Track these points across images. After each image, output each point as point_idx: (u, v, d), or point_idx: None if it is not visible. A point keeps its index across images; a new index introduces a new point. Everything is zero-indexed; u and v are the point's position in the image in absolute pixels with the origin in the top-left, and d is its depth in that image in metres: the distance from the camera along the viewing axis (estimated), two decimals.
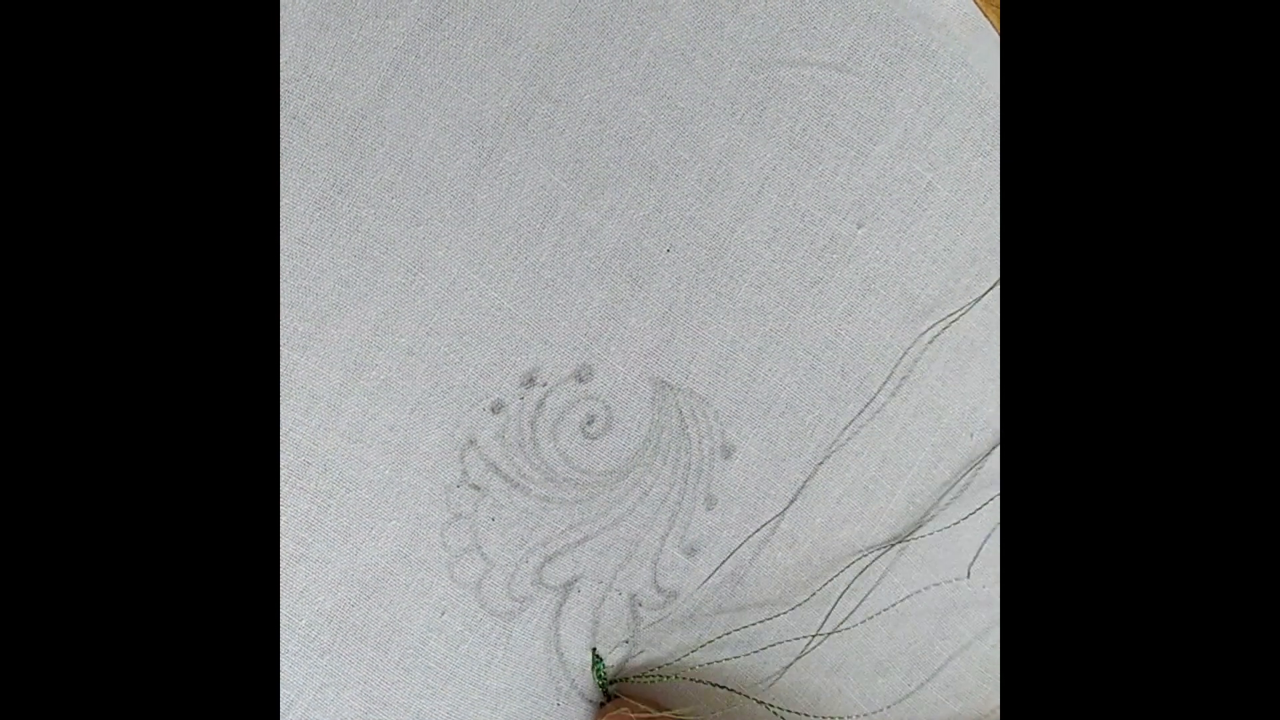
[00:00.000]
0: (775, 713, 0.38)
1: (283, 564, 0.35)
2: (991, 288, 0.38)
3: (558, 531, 0.37)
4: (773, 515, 0.38)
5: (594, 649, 0.37)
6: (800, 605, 0.39)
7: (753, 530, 0.38)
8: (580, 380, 0.37)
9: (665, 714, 0.37)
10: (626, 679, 0.38)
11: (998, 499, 0.39)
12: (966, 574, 0.39)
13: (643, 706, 0.37)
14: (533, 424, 0.37)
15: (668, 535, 0.38)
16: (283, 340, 0.35)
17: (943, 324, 0.38)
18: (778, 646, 0.38)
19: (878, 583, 0.39)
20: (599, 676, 0.37)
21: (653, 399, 0.37)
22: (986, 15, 0.37)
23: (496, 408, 0.36)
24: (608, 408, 0.37)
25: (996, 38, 0.37)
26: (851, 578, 0.39)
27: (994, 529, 0.40)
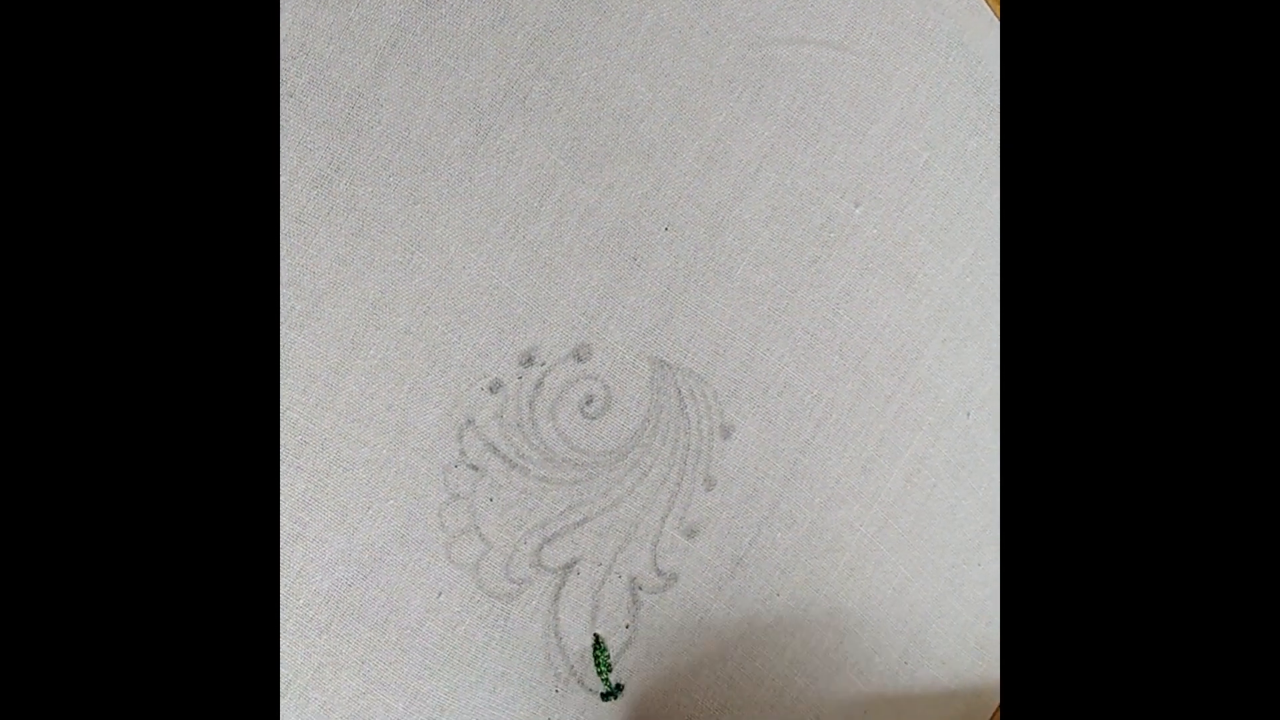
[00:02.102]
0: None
1: (280, 543, 0.35)
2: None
3: (556, 513, 0.37)
4: (770, 495, 0.38)
5: (596, 634, 0.37)
6: (799, 585, 0.39)
7: (752, 511, 0.38)
8: (579, 359, 0.37)
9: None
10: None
11: (996, 479, 0.39)
12: (963, 553, 0.40)
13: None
14: (531, 404, 0.36)
15: (667, 516, 0.38)
16: (280, 319, 0.34)
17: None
18: (775, 624, 0.38)
19: (876, 563, 0.39)
20: (601, 665, 0.37)
21: (651, 378, 0.37)
22: None
23: (495, 387, 0.36)
24: (606, 387, 0.37)
25: (993, 17, 0.37)
26: (851, 557, 0.39)
27: (993, 508, 0.40)
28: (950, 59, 0.37)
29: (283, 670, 0.35)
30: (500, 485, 0.36)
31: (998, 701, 0.40)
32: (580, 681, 0.37)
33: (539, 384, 0.37)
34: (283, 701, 0.35)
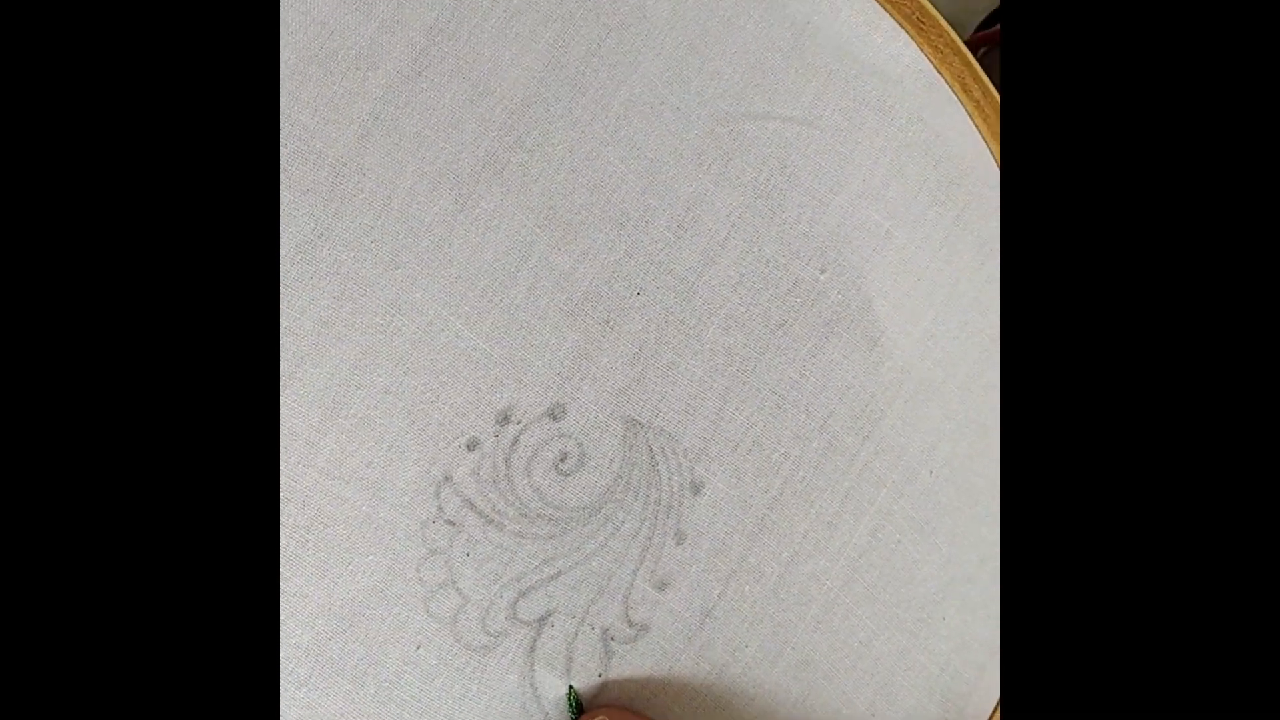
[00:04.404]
0: None
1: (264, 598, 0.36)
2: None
3: (531, 567, 0.38)
4: (739, 549, 0.39)
5: (571, 686, 0.38)
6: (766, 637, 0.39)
7: (721, 564, 0.39)
8: (554, 418, 0.38)
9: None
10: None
11: (958, 535, 0.40)
12: (928, 607, 0.40)
13: (619, 714, 0.37)
14: (507, 461, 0.38)
15: (639, 570, 0.39)
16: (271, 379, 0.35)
17: None
18: (744, 676, 0.39)
19: (843, 616, 0.40)
20: (573, 711, 0.38)
21: (624, 436, 0.38)
22: (940, 73, 0.38)
23: (472, 445, 0.37)
24: (580, 445, 0.38)
25: (950, 94, 0.39)
26: (818, 610, 0.40)
27: (956, 563, 0.41)
28: (909, 134, 0.39)
29: None
30: (477, 540, 0.37)
31: None
32: None
33: (515, 442, 0.38)
34: None
